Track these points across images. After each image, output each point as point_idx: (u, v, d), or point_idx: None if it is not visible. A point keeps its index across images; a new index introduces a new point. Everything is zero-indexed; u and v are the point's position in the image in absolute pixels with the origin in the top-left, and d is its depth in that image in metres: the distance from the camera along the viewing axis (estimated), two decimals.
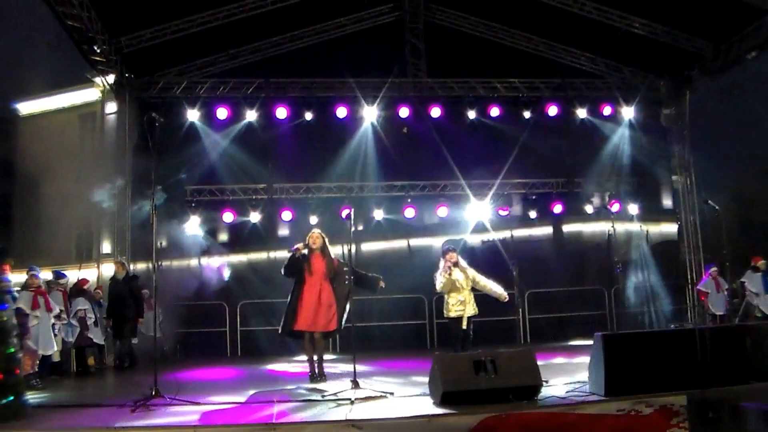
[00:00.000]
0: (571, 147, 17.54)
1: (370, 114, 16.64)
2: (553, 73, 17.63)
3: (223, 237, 19.70)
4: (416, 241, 20.03)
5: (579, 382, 7.52)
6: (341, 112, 16.42)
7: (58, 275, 12.22)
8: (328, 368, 10.70)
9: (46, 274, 12.35)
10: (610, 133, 17.41)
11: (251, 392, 8.55)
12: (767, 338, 7.26)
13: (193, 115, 16.07)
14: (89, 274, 14.81)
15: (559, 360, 11.26)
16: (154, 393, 7.41)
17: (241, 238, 17.98)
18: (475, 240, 17.89)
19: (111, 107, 20.23)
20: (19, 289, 10.39)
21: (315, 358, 9.26)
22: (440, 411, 6.52)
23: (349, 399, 7.21)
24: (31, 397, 7.70)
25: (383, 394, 7.54)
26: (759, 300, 13.97)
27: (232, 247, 18.63)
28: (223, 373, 11.88)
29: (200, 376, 11.29)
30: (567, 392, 7.13)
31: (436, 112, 16.58)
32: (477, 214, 17.34)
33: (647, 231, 18.54)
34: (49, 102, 27.89)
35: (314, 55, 17.39)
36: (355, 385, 7.74)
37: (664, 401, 6.49)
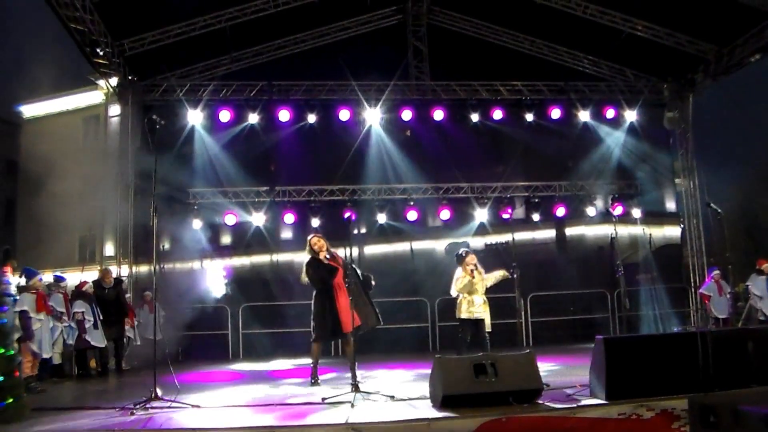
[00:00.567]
0: (574, 150, 17.56)
1: (373, 117, 16.66)
2: (556, 75, 17.63)
3: (226, 239, 19.73)
4: (419, 244, 20.04)
5: (580, 385, 7.49)
6: (344, 114, 16.43)
7: (58, 279, 12.26)
8: (329, 371, 10.71)
9: (47, 277, 12.39)
10: (613, 136, 17.37)
11: (252, 395, 8.55)
12: None
13: (195, 117, 16.07)
14: (92, 276, 14.78)
15: (561, 363, 11.24)
16: (153, 396, 7.40)
17: (244, 241, 17.98)
18: (477, 243, 17.89)
19: (114, 110, 20.26)
20: (15, 290, 10.38)
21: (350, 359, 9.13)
22: (440, 414, 6.48)
23: (350, 402, 7.19)
24: (30, 399, 7.67)
25: (384, 397, 7.51)
26: (763, 303, 13.92)
27: (234, 249, 18.63)
28: (224, 376, 11.87)
29: (201, 378, 11.27)
30: (568, 396, 7.10)
31: (438, 114, 16.57)
32: (479, 217, 17.33)
33: (650, 234, 18.49)
34: (53, 105, 28.01)
35: (317, 58, 17.44)
36: (356, 388, 7.72)
37: (665, 405, 6.46)
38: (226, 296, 16.56)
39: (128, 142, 15.97)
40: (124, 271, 15.60)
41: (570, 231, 19.74)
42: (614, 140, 17.35)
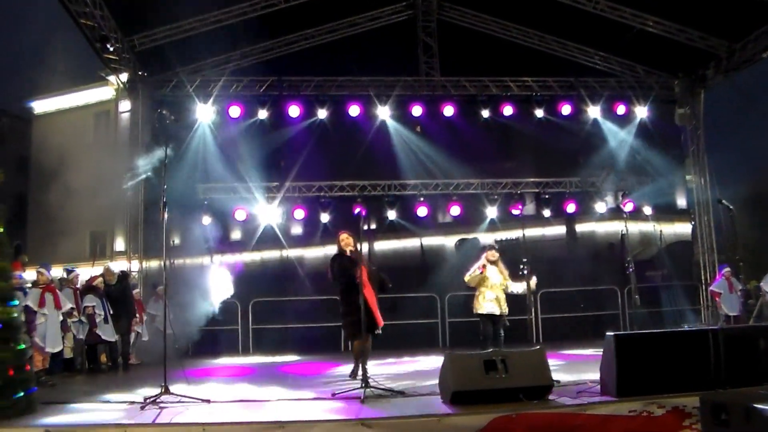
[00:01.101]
0: (585, 146, 17.48)
1: (383, 112, 16.64)
2: (566, 71, 17.54)
3: (236, 235, 19.75)
4: (429, 240, 20.04)
5: (590, 382, 7.46)
6: (354, 110, 16.41)
7: (69, 271, 12.31)
8: (338, 367, 10.72)
9: (58, 272, 12.45)
10: (624, 132, 17.27)
11: (261, 390, 8.57)
12: None
13: (205, 113, 16.08)
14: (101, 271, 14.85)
15: (571, 360, 11.22)
16: (164, 390, 7.41)
17: (254, 237, 18.01)
18: (487, 239, 17.86)
19: (125, 105, 20.35)
20: (30, 285, 10.45)
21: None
22: (450, 410, 6.49)
23: (359, 397, 7.19)
24: (41, 393, 7.70)
25: (393, 393, 7.52)
26: None
27: (244, 245, 18.65)
28: (234, 371, 11.89)
29: (211, 373, 11.30)
30: (578, 393, 7.07)
31: (448, 110, 16.52)
32: (489, 213, 17.30)
33: (661, 231, 18.41)
34: (64, 100, 28.14)
35: (327, 54, 17.40)
36: (366, 383, 7.71)
37: (676, 402, 6.42)
38: (237, 287, 16.59)
39: (139, 138, 16.01)
40: (135, 266, 15.64)
41: (580, 227, 19.71)
42: (625, 136, 17.26)
